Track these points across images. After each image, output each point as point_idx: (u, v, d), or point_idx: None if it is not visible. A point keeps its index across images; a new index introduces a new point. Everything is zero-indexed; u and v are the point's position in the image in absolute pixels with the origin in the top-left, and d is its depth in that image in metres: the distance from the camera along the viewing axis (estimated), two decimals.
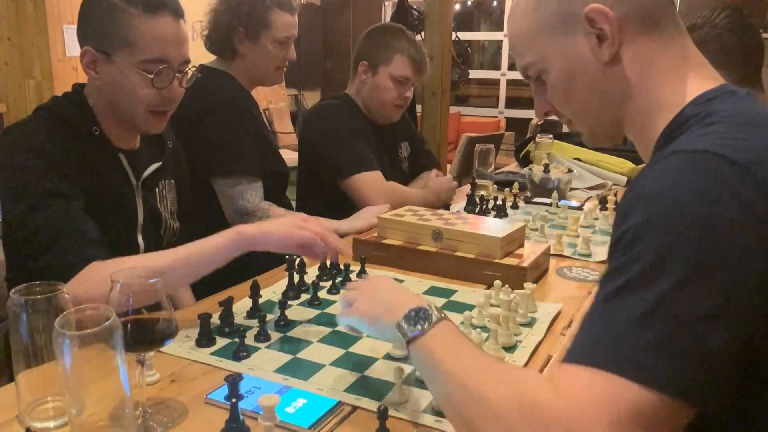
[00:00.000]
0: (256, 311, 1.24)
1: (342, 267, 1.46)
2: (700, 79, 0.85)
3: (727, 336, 0.63)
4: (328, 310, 1.29)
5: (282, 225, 1.25)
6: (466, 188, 2.38)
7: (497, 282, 1.31)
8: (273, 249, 1.22)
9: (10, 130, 1.33)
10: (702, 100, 0.81)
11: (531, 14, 0.90)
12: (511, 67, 7.62)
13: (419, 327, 0.81)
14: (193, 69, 1.36)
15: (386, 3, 7.58)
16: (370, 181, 2.02)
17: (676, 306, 0.63)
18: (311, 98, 7.68)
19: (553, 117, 1.00)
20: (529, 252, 1.52)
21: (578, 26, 0.85)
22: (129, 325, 0.83)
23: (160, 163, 1.46)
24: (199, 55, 1.74)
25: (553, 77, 0.91)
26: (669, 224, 0.66)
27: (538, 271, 1.51)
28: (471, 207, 2.10)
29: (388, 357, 1.10)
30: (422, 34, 4.03)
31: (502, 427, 0.67)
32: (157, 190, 1.47)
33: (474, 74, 7.40)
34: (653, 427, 0.62)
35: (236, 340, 1.10)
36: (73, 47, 4.66)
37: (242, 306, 1.28)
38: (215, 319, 1.18)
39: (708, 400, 0.63)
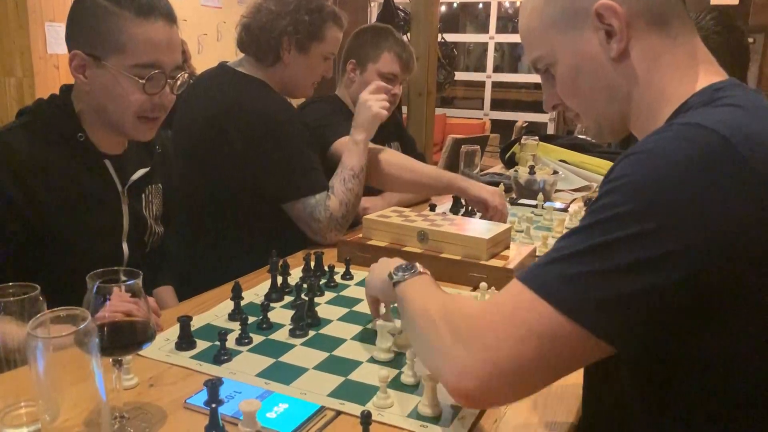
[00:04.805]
0: (237, 313, 1.21)
1: (326, 268, 1.45)
2: (707, 75, 0.85)
3: (649, 286, 0.69)
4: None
5: None
6: None
7: (483, 284, 1.30)
8: None
9: None
10: (708, 91, 0.82)
11: (540, 9, 0.91)
12: (497, 69, 7.64)
13: (401, 275, 1.01)
14: (185, 75, 1.31)
15: (372, 3, 7.56)
16: None
17: (609, 255, 0.71)
18: None
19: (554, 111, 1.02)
20: (515, 254, 1.51)
21: (587, 21, 0.86)
22: (105, 329, 0.80)
23: (148, 168, 1.42)
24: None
25: (561, 71, 0.92)
26: (639, 185, 0.71)
27: None
28: (457, 208, 2.09)
29: (373, 360, 1.08)
30: (408, 34, 4.03)
31: (435, 337, 0.82)
32: (143, 195, 1.44)
33: (460, 76, 7.39)
34: (560, 347, 0.72)
35: (217, 343, 1.08)
36: (55, 45, 4.60)
37: (223, 308, 1.25)
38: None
39: (615, 338, 0.72)
